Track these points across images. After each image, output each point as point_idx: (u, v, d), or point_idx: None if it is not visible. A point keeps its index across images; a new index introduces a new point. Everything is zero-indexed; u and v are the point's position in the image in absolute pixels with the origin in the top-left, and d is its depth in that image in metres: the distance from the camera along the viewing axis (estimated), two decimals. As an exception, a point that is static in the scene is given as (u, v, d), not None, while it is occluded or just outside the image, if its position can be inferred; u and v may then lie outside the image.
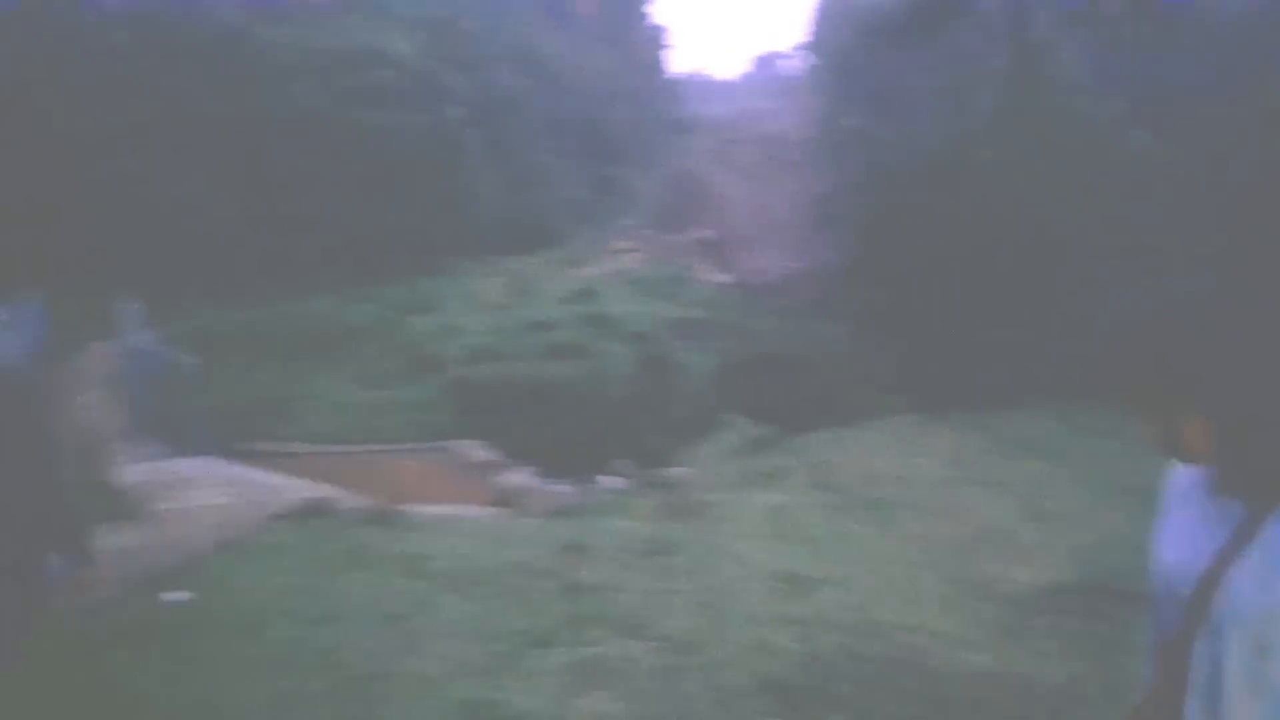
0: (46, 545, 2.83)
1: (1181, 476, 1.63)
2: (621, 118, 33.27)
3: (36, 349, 14.40)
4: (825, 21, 22.20)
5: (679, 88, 39.10)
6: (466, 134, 25.48)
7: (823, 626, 5.34)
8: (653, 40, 38.47)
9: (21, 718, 3.79)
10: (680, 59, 59.66)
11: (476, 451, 13.42)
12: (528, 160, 27.72)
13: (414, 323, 19.15)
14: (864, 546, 7.16)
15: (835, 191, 19.54)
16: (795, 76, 30.65)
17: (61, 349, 16.27)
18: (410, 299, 20.66)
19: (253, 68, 22.98)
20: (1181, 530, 1.59)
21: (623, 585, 5.99)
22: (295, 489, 9.46)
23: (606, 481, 11.71)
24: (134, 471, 10.11)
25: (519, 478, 12.18)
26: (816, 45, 23.48)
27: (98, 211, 20.36)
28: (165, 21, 22.66)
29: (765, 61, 47.96)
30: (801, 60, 29.12)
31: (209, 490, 9.32)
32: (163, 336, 16.19)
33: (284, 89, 22.54)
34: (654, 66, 38.09)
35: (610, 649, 4.91)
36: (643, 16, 37.78)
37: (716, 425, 14.16)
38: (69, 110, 20.83)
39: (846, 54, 19.78)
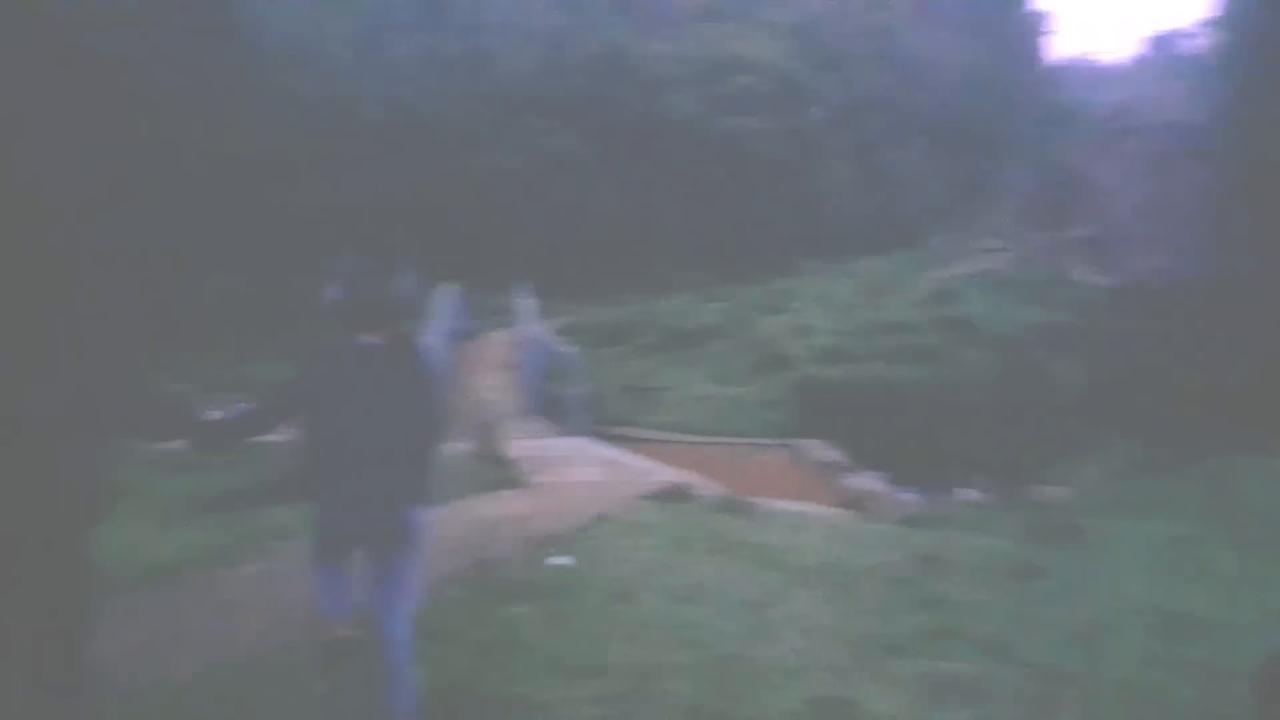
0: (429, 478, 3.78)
1: None
2: (991, 110, 31.47)
3: (455, 334, 16.66)
4: (1244, -9, 19.39)
5: (1060, 75, 36.14)
6: (826, 135, 25.53)
7: (1221, 676, 4.72)
8: (1031, 27, 35.90)
9: (442, 647, 4.42)
10: (1063, 44, 54.80)
11: (823, 452, 13.36)
12: (888, 159, 27.18)
13: (766, 321, 19.52)
14: None
15: (1241, 187, 17.01)
16: (1198, 56, 27.10)
17: (471, 335, 18.68)
18: (763, 298, 21.10)
19: (631, 80, 24.73)
20: None
21: (984, 604, 5.72)
22: (658, 472, 10.06)
23: (963, 493, 11.18)
24: (522, 446, 11.29)
25: (867, 481, 11.95)
26: (1228, 19, 20.59)
27: (502, 217, 23.13)
28: (559, 41, 25.00)
29: (1162, 41, 42.96)
30: (1207, 38, 25.74)
31: (585, 468, 10.20)
32: (551, 328, 17.99)
33: (658, 99, 24.05)
34: (1031, 54, 35.56)
35: (971, 668, 4.71)
36: (1019, 3, 35.40)
37: (1091, 443, 12.94)
38: (484, 132, 23.84)
39: (1267, 27, 17.12)
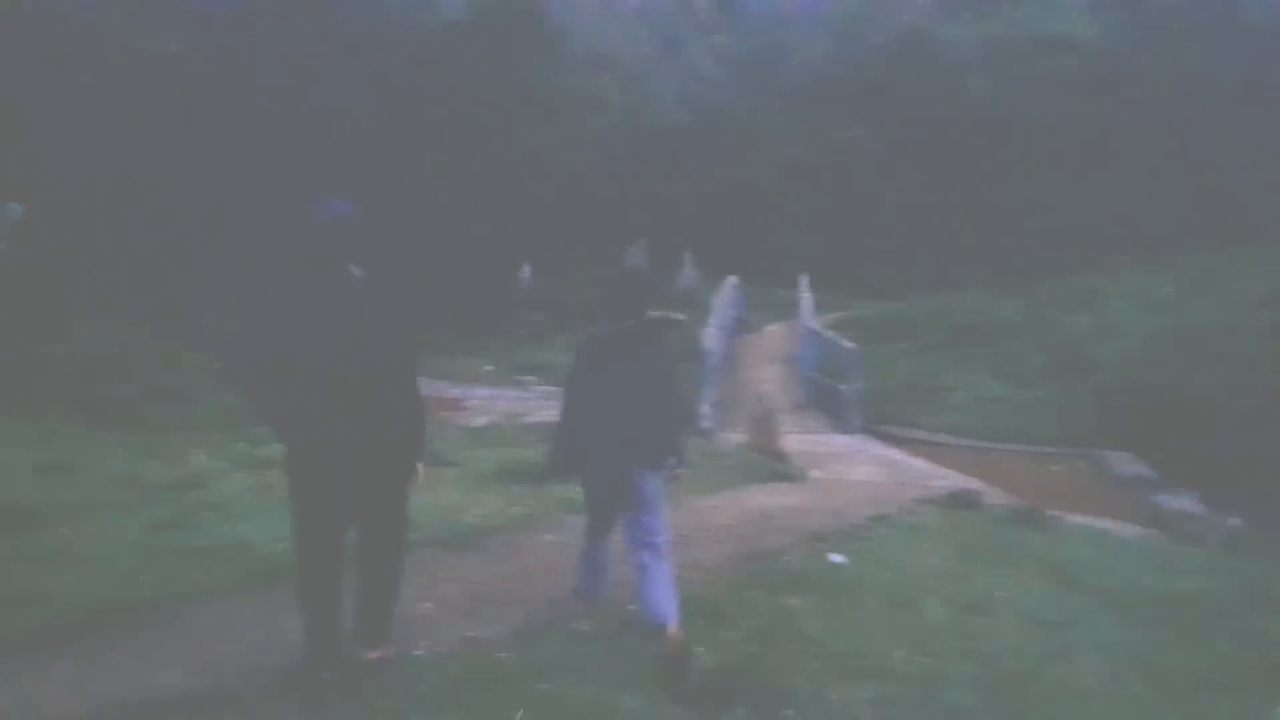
0: (668, 448, 4.42)
1: None
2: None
3: (735, 326, 17.00)
4: None
5: None
6: (1146, 118, 23.17)
7: None
8: None
9: (720, 629, 4.56)
10: None
11: (1129, 465, 12.30)
12: (1221, 141, 24.17)
13: (1069, 321, 18.16)
14: None
15: None
16: None
17: (750, 327, 18.94)
18: (1067, 295, 19.63)
19: (928, 65, 23.77)
20: None
21: (1326, 647, 5.03)
22: (941, 476, 9.72)
23: (1302, 523, 9.84)
24: (798, 440, 11.32)
25: (1180, 501, 10.87)
26: None
27: (788, 209, 23.23)
28: (853, 30, 24.61)
29: None
30: None
31: (862, 466, 10.06)
32: (831, 322, 17.81)
33: (957, 84, 22.91)
34: None
35: (1310, 719, 4.17)
36: None
37: None
38: (774, 125, 24.04)
39: None
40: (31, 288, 11.94)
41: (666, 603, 4.19)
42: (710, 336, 15.05)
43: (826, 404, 14.41)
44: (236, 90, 21.57)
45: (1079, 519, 8.39)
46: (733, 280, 19.60)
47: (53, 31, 19.30)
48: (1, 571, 5.01)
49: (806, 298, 18.79)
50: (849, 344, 14.44)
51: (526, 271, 24.16)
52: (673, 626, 4.13)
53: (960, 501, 8.03)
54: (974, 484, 9.38)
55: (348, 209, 3.68)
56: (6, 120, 17.76)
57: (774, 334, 19.71)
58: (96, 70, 19.75)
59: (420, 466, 3.86)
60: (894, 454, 11.48)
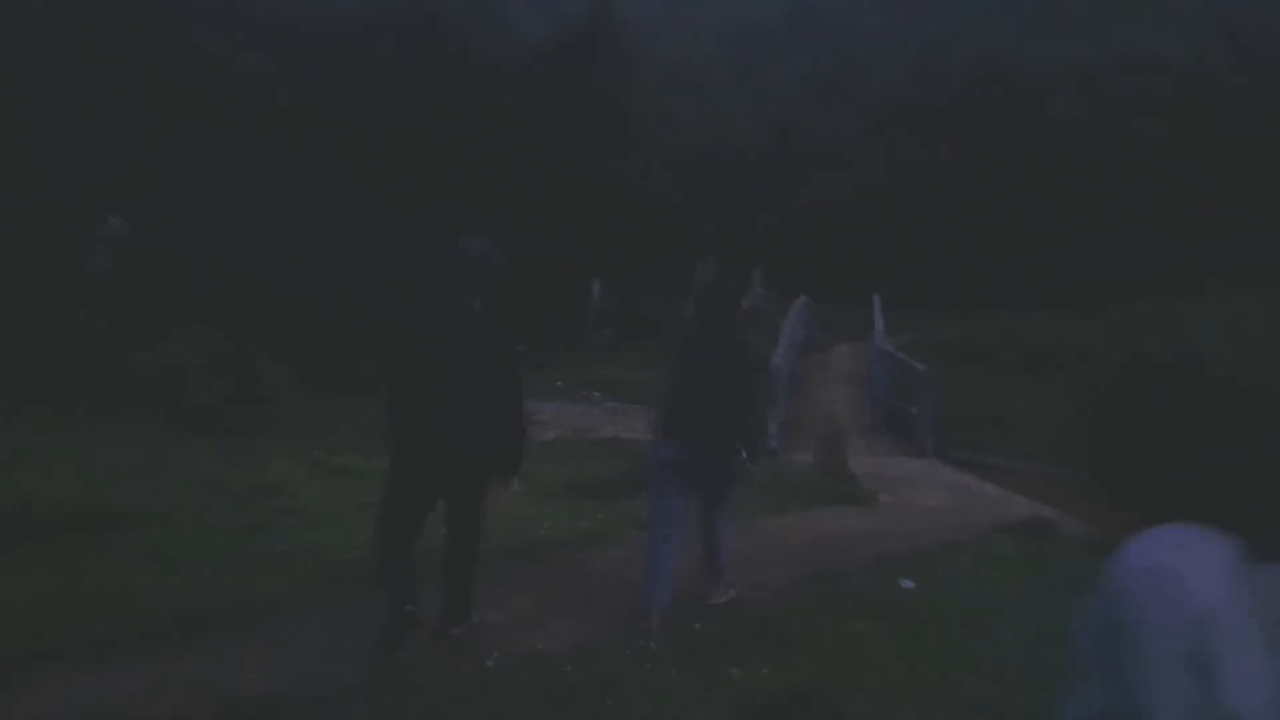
0: (742, 441, 4.91)
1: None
2: None
3: (805, 346, 16.84)
4: None
5: None
6: (1243, 139, 22.36)
7: None
8: None
9: (788, 651, 4.53)
10: None
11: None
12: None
13: (1150, 345, 17.59)
14: None
15: None
16: None
17: (820, 347, 18.74)
18: (1151, 319, 19.04)
19: (1009, 85, 23.33)
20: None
21: None
22: (1013, 503, 9.50)
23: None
24: (867, 463, 11.17)
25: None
26: None
27: (862, 229, 23.03)
28: (932, 50, 24.33)
29: None
30: None
31: (933, 491, 9.88)
32: (903, 343, 17.53)
33: (1041, 104, 22.43)
34: None
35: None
36: None
37: None
38: (851, 146, 23.88)
39: None
40: (129, 298, 12.45)
41: (709, 572, 5.10)
42: (779, 356, 14.96)
43: (897, 427, 14.20)
44: (325, 114, 22.28)
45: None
46: (803, 299, 19.45)
47: (152, 54, 20.18)
48: (91, 571, 5.23)
49: (879, 318, 18.56)
50: (921, 366, 14.22)
51: (597, 287, 24.35)
52: (713, 597, 5.06)
53: (1035, 529, 7.84)
54: (1048, 511, 9.14)
55: (478, 251, 4.11)
56: (109, 139, 18.60)
57: (844, 354, 19.48)
58: (193, 92, 20.56)
59: (516, 481, 4.21)
60: (966, 479, 11.25)
